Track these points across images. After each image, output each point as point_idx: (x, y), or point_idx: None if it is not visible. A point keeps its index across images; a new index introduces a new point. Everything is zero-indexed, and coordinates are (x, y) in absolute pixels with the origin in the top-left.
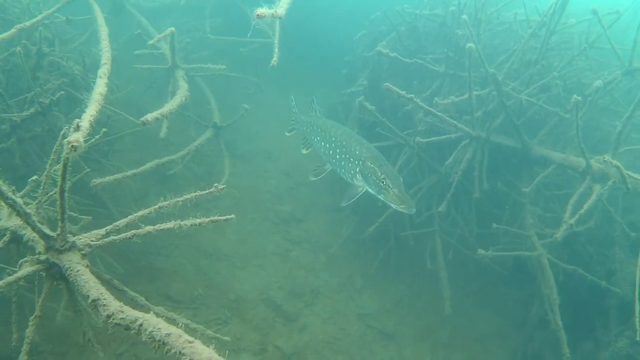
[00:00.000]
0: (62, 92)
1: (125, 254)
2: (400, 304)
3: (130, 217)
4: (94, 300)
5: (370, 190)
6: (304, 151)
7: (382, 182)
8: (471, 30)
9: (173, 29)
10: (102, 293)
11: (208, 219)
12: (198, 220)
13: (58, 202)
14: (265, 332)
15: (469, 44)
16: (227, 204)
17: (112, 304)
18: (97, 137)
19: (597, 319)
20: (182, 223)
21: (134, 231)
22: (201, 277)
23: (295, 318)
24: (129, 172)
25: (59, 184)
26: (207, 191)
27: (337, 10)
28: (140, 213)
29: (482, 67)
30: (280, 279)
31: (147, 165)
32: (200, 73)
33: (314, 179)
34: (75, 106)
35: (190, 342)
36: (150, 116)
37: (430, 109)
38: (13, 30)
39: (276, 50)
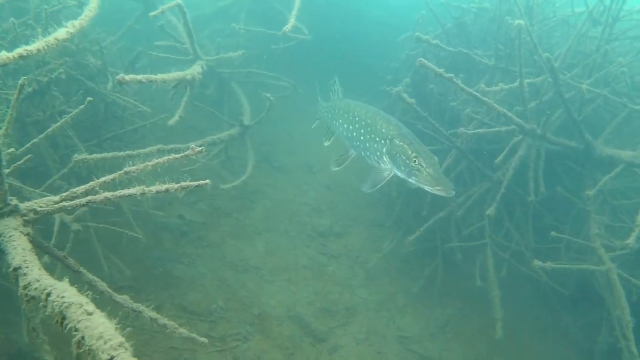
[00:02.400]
0: (62, 70)
1: (141, 259)
2: (446, 327)
3: (91, 183)
4: (15, 269)
5: (399, 174)
6: (326, 143)
7: (414, 162)
8: (521, 10)
9: (179, 0)
10: (26, 261)
11: (177, 185)
12: (165, 186)
13: None
14: (290, 351)
15: (517, 21)
16: (259, 214)
17: (32, 273)
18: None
19: None
20: (146, 189)
21: (89, 197)
22: (223, 289)
23: (326, 338)
24: (122, 153)
25: None
26: (182, 154)
27: (377, 13)
28: (102, 179)
29: (535, 55)
30: (312, 294)
31: (147, 149)
32: (227, 70)
33: (336, 168)
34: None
35: (89, 313)
36: (129, 77)
37: (474, 92)
38: None
39: (292, 20)
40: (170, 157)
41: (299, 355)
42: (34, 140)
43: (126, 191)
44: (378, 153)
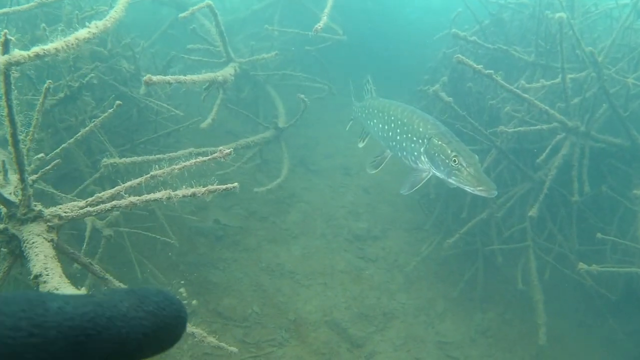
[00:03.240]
0: (92, 75)
1: (175, 264)
2: (487, 332)
3: (117, 187)
4: (35, 277)
5: (438, 174)
6: (360, 144)
7: (453, 161)
8: (562, 3)
9: (210, 2)
10: (47, 268)
11: (204, 189)
12: (192, 190)
13: (12, 154)
14: (326, 357)
15: (558, 14)
16: (295, 218)
17: (52, 281)
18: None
19: None
20: (172, 193)
21: (114, 202)
22: (259, 294)
23: (363, 343)
24: (153, 157)
25: (6, 125)
26: (210, 157)
27: (412, 12)
28: (128, 184)
29: (577, 49)
30: (349, 299)
31: (179, 152)
32: (261, 73)
33: (372, 171)
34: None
35: None
36: (156, 78)
37: (514, 89)
38: (33, 3)
39: (324, 18)
40: (198, 159)
41: None
42: (64, 145)
43: (152, 195)
44: (416, 153)
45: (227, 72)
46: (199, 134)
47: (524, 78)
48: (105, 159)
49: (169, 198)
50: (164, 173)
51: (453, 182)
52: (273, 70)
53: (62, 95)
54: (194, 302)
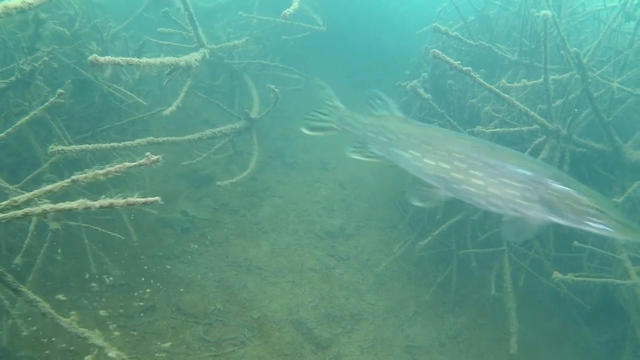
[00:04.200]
0: (46, 58)
1: (138, 256)
2: (458, 337)
3: (35, 191)
4: None
5: (559, 220)
6: (357, 158)
7: (592, 209)
8: (549, 2)
9: None
10: None
11: (123, 201)
12: (109, 201)
13: None
14: (289, 358)
15: (543, 12)
16: (267, 212)
17: None
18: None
19: None
20: (90, 203)
21: (26, 209)
22: (223, 290)
23: (328, 345)
24: (106, 145)
25: None
26: (136, 162)
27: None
28: (46, 188)
29: (562, 49)
30: (317, 299)
31: (136, 141)
32: (237, 61)
33: (418, 203)
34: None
35: None
36: (103, 59)
37: (494, 87)
38: None
39: (295, 4)
40: (124, 165)
41: None
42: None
43: (67, 205)
44: (517, 200)
45: (193, 57)
46: (173, 122)
47: (507, 77)
48: (52, 146)
49: (85, 208)
50: (86, 178)
51: (588, 228)
52: (251, 59)
53: (12, 79)
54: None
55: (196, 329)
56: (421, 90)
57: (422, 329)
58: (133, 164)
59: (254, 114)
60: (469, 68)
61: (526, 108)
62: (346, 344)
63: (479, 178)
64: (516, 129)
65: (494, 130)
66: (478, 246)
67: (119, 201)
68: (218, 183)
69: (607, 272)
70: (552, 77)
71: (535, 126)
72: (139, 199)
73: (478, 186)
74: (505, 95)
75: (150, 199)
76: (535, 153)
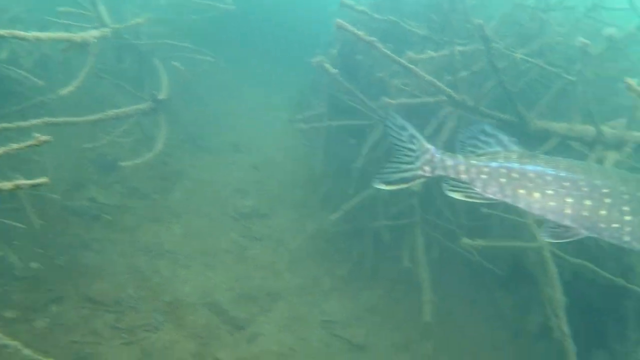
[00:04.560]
0: None
1: (45, 246)
2: (374, 310)
3: None
4: None
5: None
6: (458, 198)
7: None
8: None
9: None
10: None
11: (11, 184)
12: None
13: None
14: (204, 341)
15: None
16: (178, 196)
17: None
18: None
19: (612, 326)
20: None
21: None
22: (134, 276)
23: (245, 325)
24: None
25: None
26: (25, 144)
27: None
28: None
29: (468, 23)
30: (232, 280)
31: (30, 122)
32: (144, 42)
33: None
34: None
35: None
36: None
37: (398, 58)
38: None
39: None
40: (12, 147)
41: (214, 345)
42: None
43: None
44: None
45: (90, 34)
46: (82, 108)
47: (414, 52)
48: None
49: None
50: None
51: None
52: (160, 39)
53: None
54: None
55: (107, 317)
56: (327, 66)
57: (339, 304)
58: (20, 145)
59: (161, 95)
60: (374, 38)
61: (432, 79)
62: (263, 323)
63: (629, 214)
64: (423, 99)
65: (401, 101)
66: (391, 219)
67: (6, 184)
68: (121, 163)
69: (518, 238)
70: (457, 48)
71: (442, 97)
72: (27, 182)
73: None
74: (411, 66)
75: (38, 180)
76: (442, 124)
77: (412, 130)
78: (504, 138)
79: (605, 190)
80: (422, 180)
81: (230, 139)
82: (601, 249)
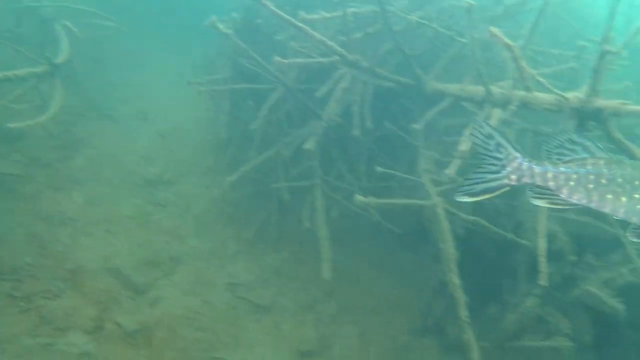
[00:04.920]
0: None
1: None
2: (280, 272)
3: None
4: None
5: None
6: (543, 205)
7: None
8: None
9: None
10: None
11: None
12: None
13: None
14: (105, 306)
15: None
16: (80, 163)
17: None
18: None
19: (506, 279)
20: None
21: None
22: (33, 245)
23: (147, 290)
24: None
25: None
26: None
27: None
28: None
29: None
30: (134, 246)
31: None
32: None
33: None
34: None
35: None
36: None
37: (289, 18)
38: None
39: None
40: None
41: (115, 310)
42: None
43: None
44: None
45: None
46: None
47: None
48: None
49: None
50: None
51: None
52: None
53: None
54: None
55: (3, 286)
56: (221, 26)
57: (244, 267)
58: None
59: (58, 59)
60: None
61: (324, 38)
62: (166, 286)
63: None
64: (316, 60)
65: (293, 60)
66: (292, 181)
67: None
68: (10, 125)
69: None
70: (351, 9)
71: (335, 57)
72: None
73: None
74: (301, 25)
75: None
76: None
77: (499, 138)
78: (591, 145)
79: None
80: (505, 189)
81: (137, 106)
82: (496, 209)
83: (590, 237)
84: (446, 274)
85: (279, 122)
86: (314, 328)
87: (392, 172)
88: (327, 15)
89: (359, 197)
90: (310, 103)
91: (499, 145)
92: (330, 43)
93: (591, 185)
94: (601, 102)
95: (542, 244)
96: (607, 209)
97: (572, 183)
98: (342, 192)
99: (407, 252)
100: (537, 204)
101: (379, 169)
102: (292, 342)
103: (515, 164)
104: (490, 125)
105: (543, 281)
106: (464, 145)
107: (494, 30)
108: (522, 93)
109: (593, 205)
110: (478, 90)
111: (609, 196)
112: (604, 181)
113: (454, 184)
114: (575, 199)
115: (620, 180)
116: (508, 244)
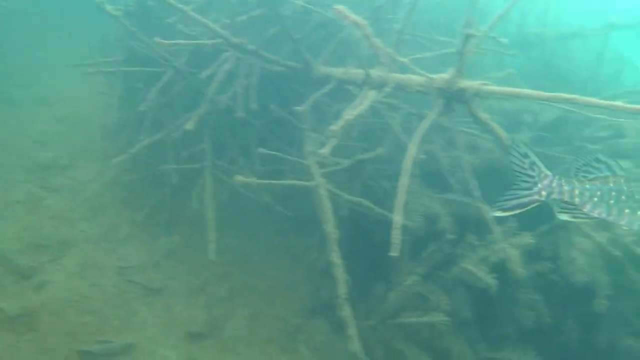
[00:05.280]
0: None
1: None
2: (172, 255)
3: None
4: None
5: None
6: (569, 219)
7: None
8: None
9: None
10: None
11: None
12: None
13: None
14: None
15: None
16: None
17: None
18: None
19: (392, 259)
20: None
21: None
22: None
23: (33, 274)
24: None
25: None
26: None
27: None
28: None
29: None
30: (21, 230)
31: None
32: None
33: None
34: None
35: None
36: None
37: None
38: None
39: None
40: None
41: None
42: None
43: None
44: None
45: None
46: None
47: None
48: None
49: None
50: None
51: None
52: None
53: None
54: None
55: None
56: (109, 8)
57: (135, 250)
58: None
59: None
60: None
61: (206, 21)
62: (53, 271)
63: None
64: (199, 42)
65: (175, 42)
66: (183, 164)
67: None
68: None
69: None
70: None
71: (219, 40)
72: None
73: None
74: (180, 6)
75: None
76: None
77: (534, 157)
78: (613, 164)
79: None
80: (536, 204)
81: (34, 90)
82: (384, 191)
83: (473, 217)
84: (329, 254)
85: (170, 105)
86: (205, 310)
87: (277, 154)
88: None
89: (239, 177)
90: (202, 86)
91: (533, 163)
92: (212, 25)
93: (612, 201)
94: (464, 83)
95: (397, 218)
96: (623, 222)
97: (595, 199)
98: (235, 175)
99: (299, 234)
100: (563, 218)
101: (263, 150)
102: (182, 324)
103: (546, 182)
104: (526, 146)
105: (394, 252)
106: (335, 126)
107: (339, 7)
108: (397, 75)
109: (611, 218)
110: (359, 73)
111: (627, 210)
112: (623, 197)
113: (338, 165)
114: (596, 213)
115: (638, 197)
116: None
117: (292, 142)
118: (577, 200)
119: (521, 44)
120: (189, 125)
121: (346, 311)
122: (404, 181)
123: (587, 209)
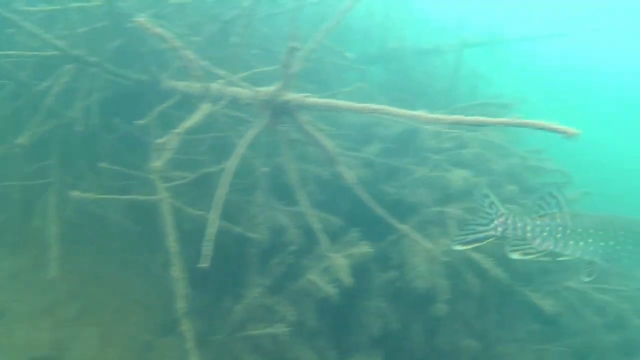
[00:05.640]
0: None
1: None
2: (18, 277)
3: None
4: None
5: None
6: (519, 258)
7: None
8: None
9: None
10: None
11: None
12: None
13: None
14: None
15: None
16: None
17: None
18: None
19: (243, 272)
20: None
21: None
22: None
23: None
24: None
25: None
26: None
27: None
28: None
29: None
30: None
31: None
32: None
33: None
34: None
35: None
36: None
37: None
38: None
39: None
40: None
41: None
42: None
43: None
44: None
45: None
46: None
47: None
48: None
49: None
50: None
51: None
52: None
53: None
54: None
55: None
56: None
57: None
58: None
59: None
60: None
61: (38, 31)
62: None
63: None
64: (37, 53)
65: (10, 52)
66: (25, 180)
67: None
68: None
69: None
70: (76, 4)
71: (54, 52)
72: None
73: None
74: (14, 17)
75: None
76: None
77: (493, 198)
78: (562, 200)
79: (621, 232)
80: (490, 240)
81: None
82: (231, 202)
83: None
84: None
85: (14, 119)
86: (51, 332)
87: (121, 169)
88: (47, 8)
89: (76, 193)
90: (47, 100)
91: (492, 203)
92: (48, 37)
93: (559, 235)
94: (289, 96)
95: (211, 230)
96: (567, 252)
97: (544, 234)
98: (83, 191)
99: (153, 250)
100: (514, 257)
101: (105, 165)
102: (24, 348)
103: (502, 219)
104: (487, 189)
105: (204, 263)
106: (161, 139)
107: (141, 20)
108: (232, 89)
109: (558, 249)
110: (200, 87)
111: (571, 242)
112: (568, 231)
113: (184, 179)
114: (544, 246)
115: (580, 230)
116: (244, 237)
117: (146, 156)
118: (528, 235)
119: (382, 59)
120: (22, 140)
121: (185, 325)
122: (221, 193)
123: (537, 242)
